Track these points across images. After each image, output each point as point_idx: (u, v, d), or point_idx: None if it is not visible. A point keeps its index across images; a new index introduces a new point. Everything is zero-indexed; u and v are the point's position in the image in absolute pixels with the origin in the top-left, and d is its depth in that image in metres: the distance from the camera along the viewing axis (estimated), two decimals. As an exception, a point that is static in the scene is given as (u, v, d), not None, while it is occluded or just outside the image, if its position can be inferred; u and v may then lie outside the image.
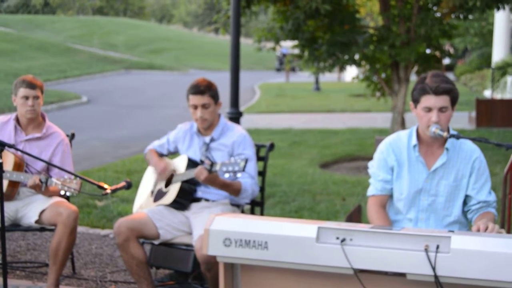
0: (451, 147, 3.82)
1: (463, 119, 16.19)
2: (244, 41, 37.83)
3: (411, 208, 3.89)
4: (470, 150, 3.85)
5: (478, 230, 3.41)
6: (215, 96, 4.85)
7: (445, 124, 3.72)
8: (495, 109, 15.31)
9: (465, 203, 3.87)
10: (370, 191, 4.02)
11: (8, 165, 4.84)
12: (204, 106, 4.78)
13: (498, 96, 19.02)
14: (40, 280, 5.35)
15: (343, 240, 3.17)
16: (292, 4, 10.21)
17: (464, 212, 3.90)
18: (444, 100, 3.68)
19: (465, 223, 3.92)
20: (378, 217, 3.91)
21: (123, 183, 4.38)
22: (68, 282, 5.33)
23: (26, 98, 5.01)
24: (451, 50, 13.01)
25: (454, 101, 3.74)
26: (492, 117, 15.17)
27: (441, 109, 3.68)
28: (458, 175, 3.82)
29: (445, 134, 3.64)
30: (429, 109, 3.70)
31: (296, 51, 11.61)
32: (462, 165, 3.82)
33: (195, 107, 4.80)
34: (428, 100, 3.69)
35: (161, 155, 5.18)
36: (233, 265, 3.51)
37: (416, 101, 3.77)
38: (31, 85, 5.01)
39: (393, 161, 3.91)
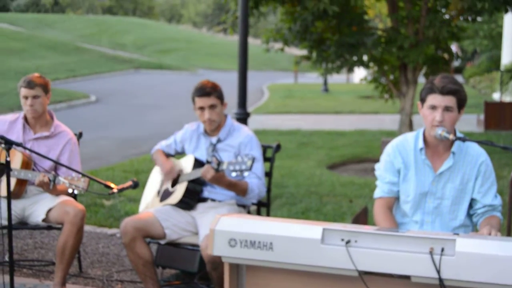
0: (457, 150, 3.81)
1: (471, 121, 16.15)
2: (253, 42, 37.85)
3: (417, 210, 3.89)
4: (477, 153, 3.85)
5: None
6: (221, 97, 4.86)
7: (450, 125, 3.71)
8: (503, 112, 15.27)
9: (470, 206, 3.87)
10: (377, 193, 4.02)
11: (16, 163, 4.85)
12: (211, 107, 4.79)
13: (507, 99, 18.97)
14: (47, 279, 5.37)
15: (348, 242, 3.18)
16: (300, 5, 10.22)
17: (470, 215, 3.90)
18: (449, 100, 3.69)
19: (471, 227, 3.92)
20: (384, 219, 3.91)
21: (129, 183, 4.39)
22: (75, 281, 5.34)
23: (26, 98, 5.01)
24: (459, 52, 12.98)
25: (461, 103, 3.74)
26: (500, 120, 15.13)
27: (446, 109, 3.69)
28: (464, 179, 3.82)
29: (451, 136, 3.64)
30: (434, 108, 3.71)
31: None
32: (468, 168, 3.82)
33: (202, 109, 4.80)
34: (434, 98, 3.71)
35: (168, 155, 5.19)
36: (238, 266, 3.52)
37: (423, 100, 3.79)
38: (29, 85, 4.99)
39: (399, 164, 3.91)
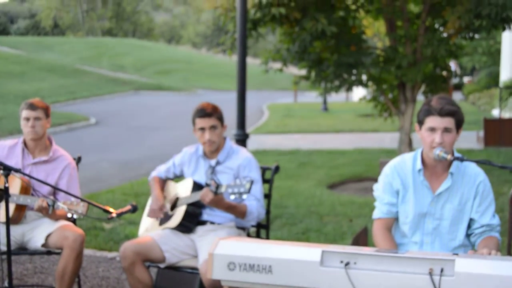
0: (455, 171, 3.81)
1: (471, 138, 16.15)
2: (252, 61, 37.95)
3: (416, 231, 3.89)
4: (475, 173, 3.85)
5: None
6: (221, 119, 4.89)
7: (449, 146, 3.72)
8: (503, 128, 15.28)
9: (468, 226, 3.87)
10: (376, 214, 4.02)
11: (15, 189, 4.85)
12: (211, 128, 4.81)
13: (506, 115, 18.97)
14: (46, 304, 5.35)
15: (347, 264, 3.17)
16: (298, 26, 10.26)
17: (468, 235, 3.90)
18: (448, 122, 3.69)
19: (470, 247, 3.91)
20: (383, 240, 3.90)
21: (128, 207, 4.37)
22: (75, 306, 5.32)
23: (27, 119, 5.04)
24: (458, 70, 13.00)
25: (459, 124, 3.74)
26: (500, 136, 15.13)
27: (445, 130, 3.69)
28: (462, 199, 3.82)
29: (449, 156, 3.64)
30: (433, 130, 3.71)
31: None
32: (467, 189, 3.82)
33: (203, 129, 4.82)
34: (433, 121, 3.70)
35: (167, 179, 5.19)
36: (237, 289, 3.51)
37: (421, 122, 3.79)
38: (32, 107, 5.04)
39: (398, 185, 3.91)
